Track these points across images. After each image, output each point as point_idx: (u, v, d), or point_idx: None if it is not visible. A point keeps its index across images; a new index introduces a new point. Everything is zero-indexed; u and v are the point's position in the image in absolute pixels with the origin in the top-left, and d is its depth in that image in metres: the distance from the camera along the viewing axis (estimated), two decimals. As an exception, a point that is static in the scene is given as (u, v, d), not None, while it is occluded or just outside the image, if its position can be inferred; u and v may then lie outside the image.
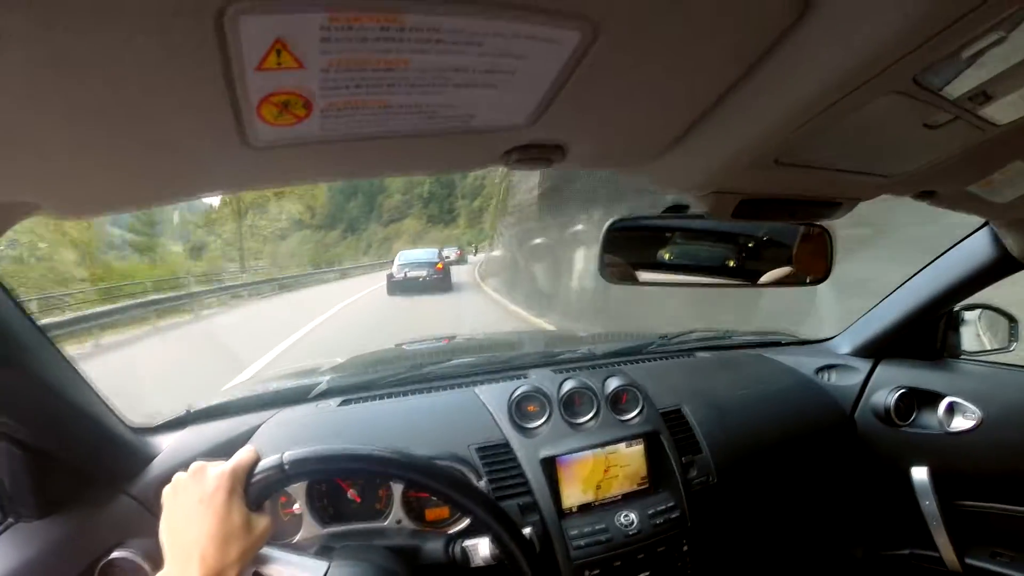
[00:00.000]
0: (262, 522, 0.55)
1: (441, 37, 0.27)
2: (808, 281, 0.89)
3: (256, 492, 0.58)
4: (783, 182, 0.53)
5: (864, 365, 1.27)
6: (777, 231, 0.89)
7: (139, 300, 11.84)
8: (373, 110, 0.32)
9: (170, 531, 0.54)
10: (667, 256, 0.84)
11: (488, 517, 0.67)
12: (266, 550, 0.58)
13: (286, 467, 0.59)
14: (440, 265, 14.64)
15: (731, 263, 0.86)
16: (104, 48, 0.24)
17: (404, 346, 1.74)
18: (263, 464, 0.59)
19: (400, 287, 13.71)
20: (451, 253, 24.27)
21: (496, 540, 0.67)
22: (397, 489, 0.87)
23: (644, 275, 0.84)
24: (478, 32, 0.27)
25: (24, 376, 0.63)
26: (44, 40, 0.22)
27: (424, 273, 14.05)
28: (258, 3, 0.23)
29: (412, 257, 15.41)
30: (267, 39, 0.25)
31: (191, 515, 0.53)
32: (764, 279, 0.87)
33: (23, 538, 0.74)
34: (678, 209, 0.73)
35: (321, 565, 0.61)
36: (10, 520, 0.75)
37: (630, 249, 0.85)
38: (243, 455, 0.58)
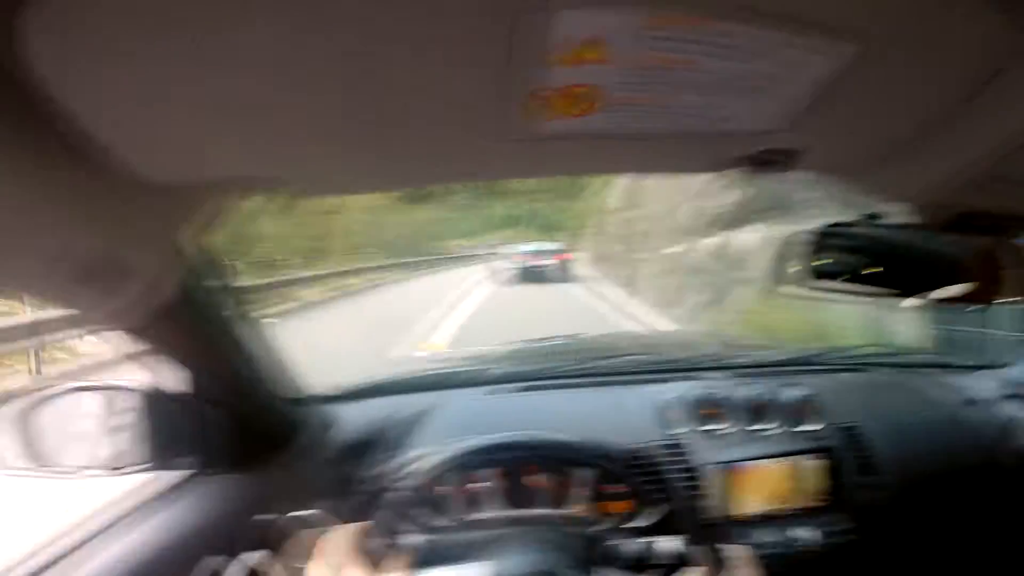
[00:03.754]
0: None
1: (735, 43, 0.28)
2: (988, 300, 0.84)
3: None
4: (1000, 197, 0.53)
5: None
6: (950, 248, 0.86)
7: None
8: (650, 108, 0.33)
9: None
10: (840, 267, 0.84)
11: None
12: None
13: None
14: (561, 256, 15.70)
15: (904, 278, 0.84)
16: (394, 36, 0.23)
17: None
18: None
19: (524, 275, 14.77)
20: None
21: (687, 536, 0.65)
22: (583, 478, 0.87)
23: (813, 284, 0.84)
24: (768, 41, 0.28)
25: (225, 337, 0.65)
26: (341, 25, 0.22)
27: (547, 262, 15.18)
28: None
29: (535, 247, 16.46)
30: (581, 34, 0.24)
31: None
32: (937, 295, 0.84)
33: (203, 490, 0.77)
34: (872, 219, 0.73)
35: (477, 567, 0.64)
36: (189, 471, 0.78)
37: (808, 257, 0.84)
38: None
